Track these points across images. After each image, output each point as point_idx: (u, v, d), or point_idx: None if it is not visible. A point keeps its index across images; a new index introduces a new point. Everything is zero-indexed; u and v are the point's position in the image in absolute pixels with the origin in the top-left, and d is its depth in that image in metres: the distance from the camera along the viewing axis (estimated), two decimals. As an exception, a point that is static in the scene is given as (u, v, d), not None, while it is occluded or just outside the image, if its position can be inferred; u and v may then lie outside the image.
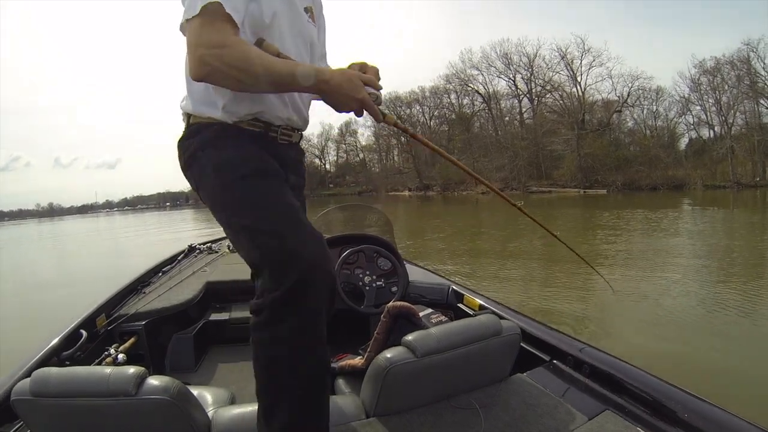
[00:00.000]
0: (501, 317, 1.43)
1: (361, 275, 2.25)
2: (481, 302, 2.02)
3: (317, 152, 58.71)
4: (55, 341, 1.75)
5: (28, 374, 1.06)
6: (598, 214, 14.47)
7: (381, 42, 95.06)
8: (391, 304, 1.43)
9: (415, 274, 2.48)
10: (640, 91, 32.00)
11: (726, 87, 28.06)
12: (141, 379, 1.01)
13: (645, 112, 32.79)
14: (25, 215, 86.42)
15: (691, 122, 31.18)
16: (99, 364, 1.83)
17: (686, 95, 30.41)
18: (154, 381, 1.02)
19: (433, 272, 2.71)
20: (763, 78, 26.52)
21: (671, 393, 1.15)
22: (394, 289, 2.24)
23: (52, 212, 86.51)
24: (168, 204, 77.07)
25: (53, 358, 1.67)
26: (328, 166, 59.25)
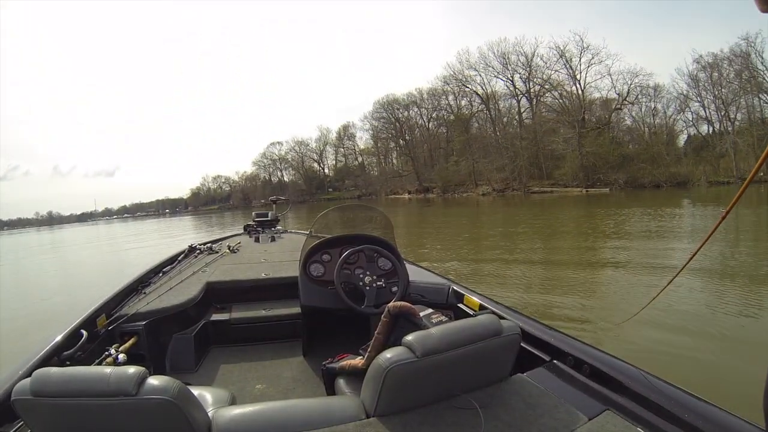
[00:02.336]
0: (501, 317, 1.42)
1: (361, 275, 2.26)
2: (482, 302, 2.01)
3: (316, 156, 58.75)
4: (55, 341, 1.76)
5: (28, 374, 1.06)
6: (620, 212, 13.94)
7: (379, 45, 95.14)
8: (391, 304, 1.43)
9: (416, 274, 2.49)
10: (639, 89, 31.88)
11: (725, 82, 27.90)
12: (141, 379, 1.00)
13: (644, 109, 32.67)
14: (25, 224, 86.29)
15: (690, 119, 31.13)
16: (99, 364, 1.84)
17: (685, 92, 30.32)
18: (154, 381, 1.01)
19: (433, 272, 2.74)
20: (761, 72, 26.37)
21: (672, 393, 1.15)
22: (394, 289, 2.26)
23: (52, 220, 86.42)
24: (168, 211, 76.85)
25: (54, 357, 1.68)
26: (327, 171, 59.23)
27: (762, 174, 24.78)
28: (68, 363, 1.71)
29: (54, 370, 1.02)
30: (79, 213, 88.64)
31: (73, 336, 1.88)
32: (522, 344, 1.41)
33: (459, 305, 2.16)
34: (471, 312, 2.04)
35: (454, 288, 2.26)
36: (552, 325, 1.67)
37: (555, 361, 1.48)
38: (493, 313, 1.51)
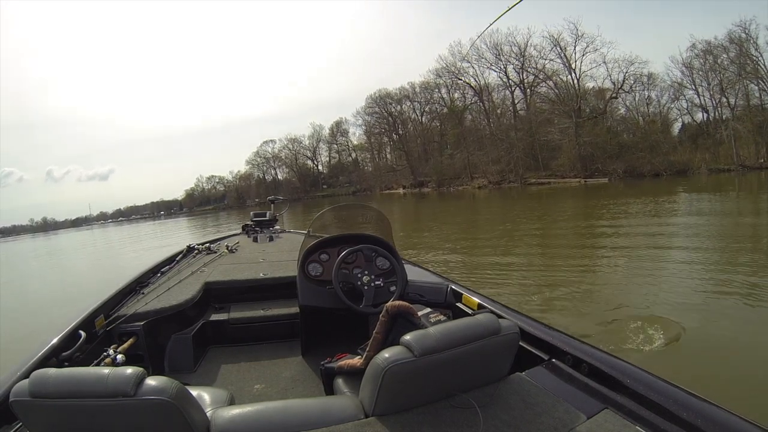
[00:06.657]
0: (500, 316, 1.43)
1: (359, 275, 2.26)
2: (480, 301, 2.01)
3: (309, 154, 58.49)
4: (53, 342, 1.76)
5: (26, 375, 1.07)
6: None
7: (370, 40, 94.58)
8: (389, 303, 1.45)
9: (414, 273, 2.49)
10: (634, 77, 31.79)
11: (720, 69, 27.86)
12: (140, 380, 1.00)
13: (637, 98, 32.63)
14: (19, 231, 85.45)
15: (684, 107, 31.12)
16: (98, 364, 1.84)
17: (679, 80, 30.27)
18: (152, 382, 1.01)
19: (431, 272, 2.74)
20: (755, 59, 26.36)
21: (670, 392, 1.15)
22: (392, 288, 2.26)
23: (46, 227, 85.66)
24: (162, 213, 76.33)
25: (52, 358, 1.69)
26: (320, 167, 59.00)
27: (762, 161, 24.88)
28: (66, 364, 1.72)
29: (52, 371, 1.02)
30: (73, 218, 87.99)
31: (72, 337, 1.87)
32: (521, 343, 1.42)
33: (457, 304, 2.16)
34: (469, 311, 2.04)
35: (453, 287, 2.25)
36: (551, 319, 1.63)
37: (554, 360, 1.48)
38: (492, 312, 1.49)
